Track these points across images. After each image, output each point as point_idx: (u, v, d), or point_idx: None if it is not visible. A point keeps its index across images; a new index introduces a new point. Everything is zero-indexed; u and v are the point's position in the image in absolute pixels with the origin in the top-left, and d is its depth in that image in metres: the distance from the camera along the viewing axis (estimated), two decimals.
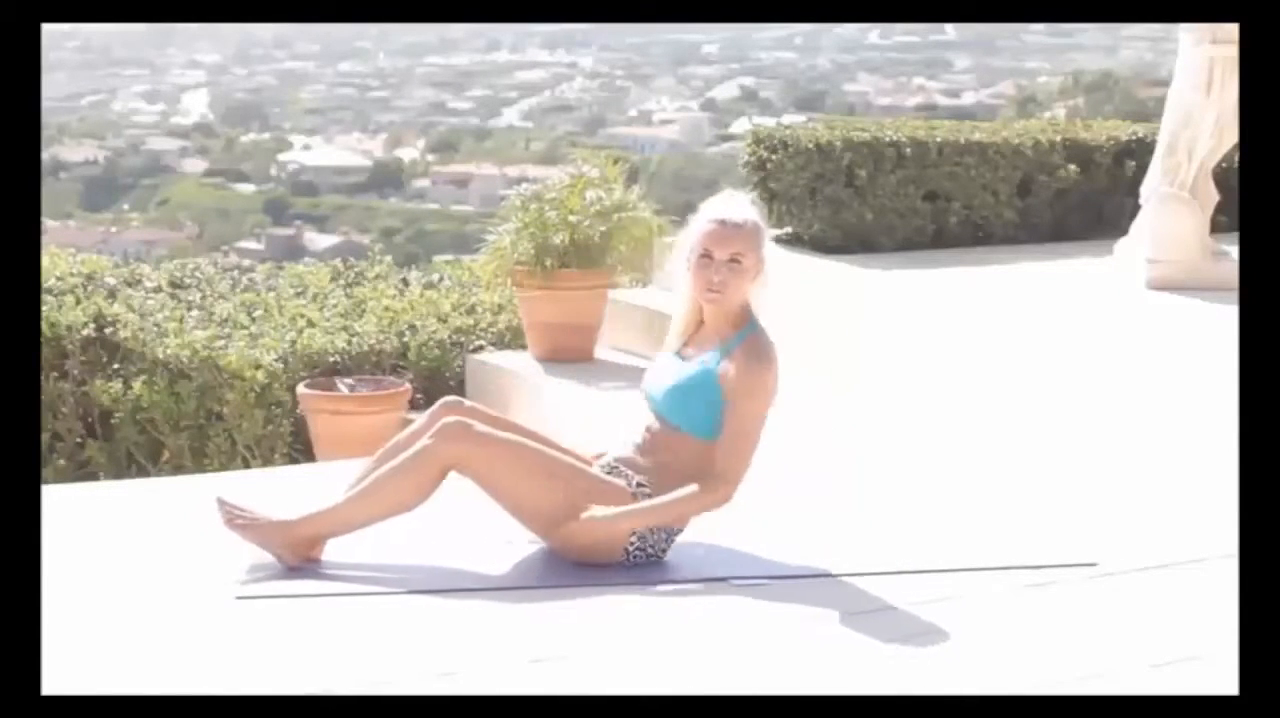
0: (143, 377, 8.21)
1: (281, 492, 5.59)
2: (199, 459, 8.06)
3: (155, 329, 8.36)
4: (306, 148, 60.61)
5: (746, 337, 4.33)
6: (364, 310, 8.67)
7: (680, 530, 4.42)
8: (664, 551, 4.40)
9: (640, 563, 4.38)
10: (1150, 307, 7.77)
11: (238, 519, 4.36)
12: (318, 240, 47.86)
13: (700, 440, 4.31)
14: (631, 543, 4.34)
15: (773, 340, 4.31)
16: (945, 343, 7.20)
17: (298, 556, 4.35)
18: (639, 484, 4.36)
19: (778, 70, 70.27)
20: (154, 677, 3.63)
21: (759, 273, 4.34)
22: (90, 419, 8.51)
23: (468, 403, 4.58)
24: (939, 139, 9.31)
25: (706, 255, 4.32)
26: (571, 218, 7.97)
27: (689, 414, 4.31)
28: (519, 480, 4.31)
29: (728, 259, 4.31)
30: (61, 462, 8.43)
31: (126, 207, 54.40)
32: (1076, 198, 9.70)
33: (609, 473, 4.39)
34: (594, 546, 4.34)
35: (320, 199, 55.51)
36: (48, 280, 9.02)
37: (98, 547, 4.68)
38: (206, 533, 4.80)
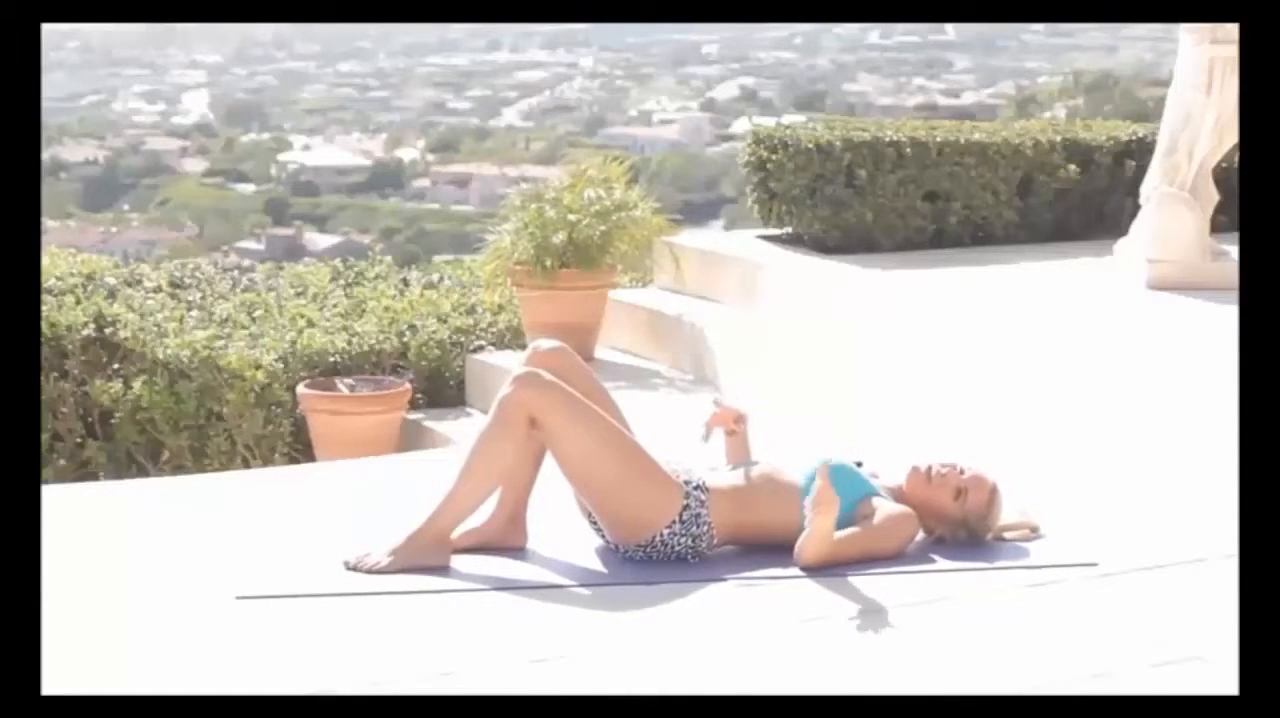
0: (143, 377, 8.21)
1: (281, 492, 5.60)
2: (199, 459, 8.06)
3: (155, 329, 8.36)
4: (306, 148, 60.50)
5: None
6: (364, 310, 8.67)
7: (709, 546, 4.44)
8: (690, 551, 4.41)
9: (656, 558, 4.40)
10: (1150, 307, 7.77)
11: (375, 566, 4.33)
12: (318, 240, 47.78)
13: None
14: (665, 530, 4.36)
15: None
16: (945, 343, 7.20)
17: (444, 554, 4.37)
18: (696, 487, 4.41)
19: (778, 70, 70.17)
20: (154, 677, 3.63)
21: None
22: (90, 419, 8.51)
23: (560, 348, 4.59)
24: (939, 139, 9.31)
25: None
26: (571, 218, 7.97)
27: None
28: (586, 441, 4.36)
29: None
30: (61, 462, 8.43)
31: (126, 207, 54.31)
32: (1076, 198, 9.70)
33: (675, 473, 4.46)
34: (636, 519, 4.37)
35: (320, 199, 55.42)
36: (48, 280, 9.02)
37: (98, 547, 4.68)
38: (206, 533, 4.81)
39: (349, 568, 4.34)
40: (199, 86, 71.29)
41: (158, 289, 9.22)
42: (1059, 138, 9.74)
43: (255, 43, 76.16)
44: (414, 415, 7.93)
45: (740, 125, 43.80)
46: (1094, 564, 4.39)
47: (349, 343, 8.20)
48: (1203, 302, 7.63)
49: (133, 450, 8.35)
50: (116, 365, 8.45)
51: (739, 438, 4.75)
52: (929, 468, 4.54)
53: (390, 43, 76.14)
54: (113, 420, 8.34)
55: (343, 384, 7.79)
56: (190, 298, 9.09)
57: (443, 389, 8.25)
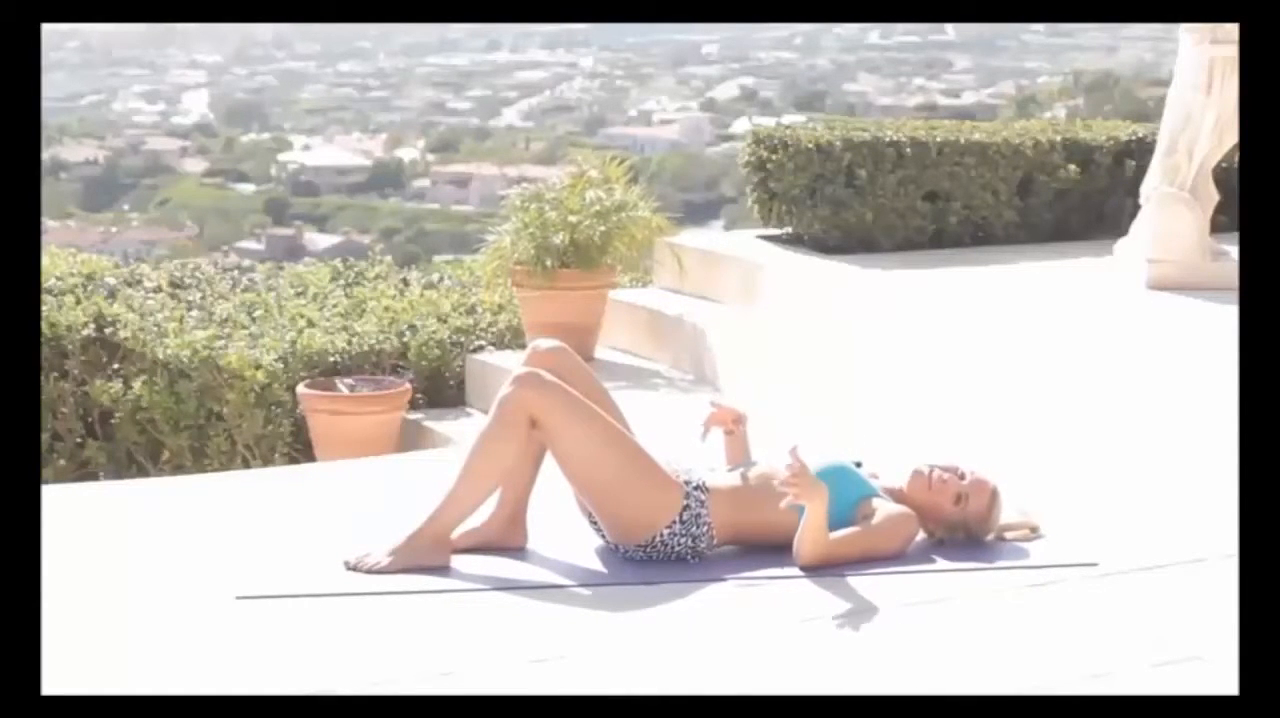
0: (143, 377, 8.21)
1: (281, 492, 5.60)
2: (199, 459, 8.06)
3: (155, 329, 8.36)
4: (306, 148, 60.55)
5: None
6: (364, 310, 8.67)
7: (709, 546, 4.44)
8: (690, 552, 4.41)
9: (656, 558, 4.40)
10: (1150, 307, 7.77)
11: (375, 566, 4.33)
12: (318, 240, 47.82)
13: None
14: (665, 530, 4.36)
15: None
16: (945, 343, 7.20)
17: (444, 554, 4.37)
18: (696, 487, 4.41)
19: (778, 70, 70.23)
20: (154, 677, 3.63)
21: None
22: (90, 419, 8.51)
23: (560, 348, 4.58)
24: (939, 139, 9.32)
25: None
26: (571, 218, 7.97)
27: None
28: (587, 441, 4.36)
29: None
30: (61, 462, 8.43)
31: (126, 207, 54.34)
32: (1076, 198, 9.71)
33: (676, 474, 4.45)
34: (636, 519, 4.37)
35: (320, 199, 55.46)
36: (48, 280, 9.01)
37: (98, 547, 4.68)
38: (206, 533, 4.81)
39: (349, 568, 4.34)
40: (199, 86, 71.34)
41: (158, 289, 9.21)
42: (1059, 138, 9.74)
43: (255, 43, 76.19)
44: (414, 415, 7.93)
45: (740, 125, 43.85)
46: (1094, 564, 4.39)
47: (349, 343, 8.19)
48: (1203, 302, 7.63)
49: (133, 450, 8.35)
50: (116, 365, 8.44)
51: (738, 438, 4.75)
52: (931, 472, 4.54)
53: (390, 43, 76.17)
54: (113, 420, 8.34)
55: (343, 384, 7.79)
56: (190, 298, 9.08)
57: (443, 389, 8.25)
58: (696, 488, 4.42)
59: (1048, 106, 44.98)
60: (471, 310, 8.74)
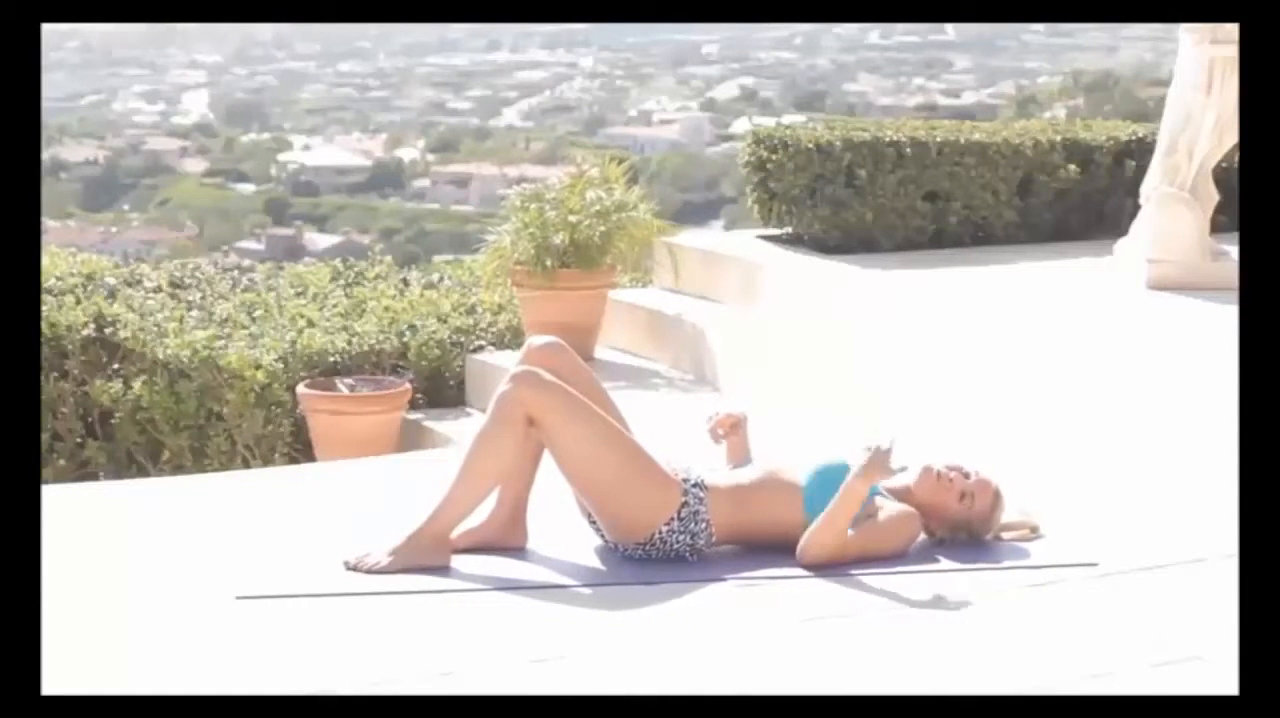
0: (143, 377, 8.21)
1: (281, 492, 5.60)
2: (199, 459, 8.06)
3: (155, 329, 8.36)
4: (306, 148, 60.53)
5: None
6: (364, 310, 8.67)
7: (708, 544, 4.44)
8: (689, 549, 4.42)
9: (655, 556, 4.40)
10: (1150, 307, 7.77)
11: (375, 566, 4.33)
12: (318, 240, 47.81)
13: (806, 516, 4.41)
14: (663, 528, 4.36)
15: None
16: (945, 343, 7.20)
17: (444, 554, 4.37)
18: (695, 485, 4.41)
19: (778, 70, 70.22)
20: (154, 677, 3.63)
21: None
22: (90, 419, 8.51)
23: (556, 344, 4.59)
24: (939, 139, 9.31)
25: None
26: (571, 218, 7.97)
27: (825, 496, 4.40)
28: (585, 440, 4.36)
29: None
30: (61, 462, 8.43)
31: (126, 207, 54.32)
32: (1076, 198, 9.70)
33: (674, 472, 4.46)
34: (635, 518, 4.38)
35: (320, 199, 55.44)
36: (48, 280, 9.01)
37: (98, 547, 4.68)
38: (206, 533, 4.81)
39: (349, 568, 4.34)
40: (199, 86, 71.30)
41: (158, 289, 9.21)
42: (1059, 138, 9.74)
43: (255, 43, 76.17)
44: (414, 415, 7.93)
45: (740, 125, 43.81)
46: (1094, 564, 4.39)
47: (349, 343, 8.19)
48: (1203, 302, 7.63)
49: (133, 450, 8.35)
50: (116, 365, 8.44)
51: (739, 438, 4.76)
52: (939, 470, 4.55)
53: (390, 43, 76.15)
54: (113, 420, 8.34)
55: (343, 384, 7.79)
56: (190, 298, 9.08)
57: (443, 389, 8.25)
58: (695, 485, 4.42)
59: (1048, 106, 44.98)
60: (471, 310, 8.74)
